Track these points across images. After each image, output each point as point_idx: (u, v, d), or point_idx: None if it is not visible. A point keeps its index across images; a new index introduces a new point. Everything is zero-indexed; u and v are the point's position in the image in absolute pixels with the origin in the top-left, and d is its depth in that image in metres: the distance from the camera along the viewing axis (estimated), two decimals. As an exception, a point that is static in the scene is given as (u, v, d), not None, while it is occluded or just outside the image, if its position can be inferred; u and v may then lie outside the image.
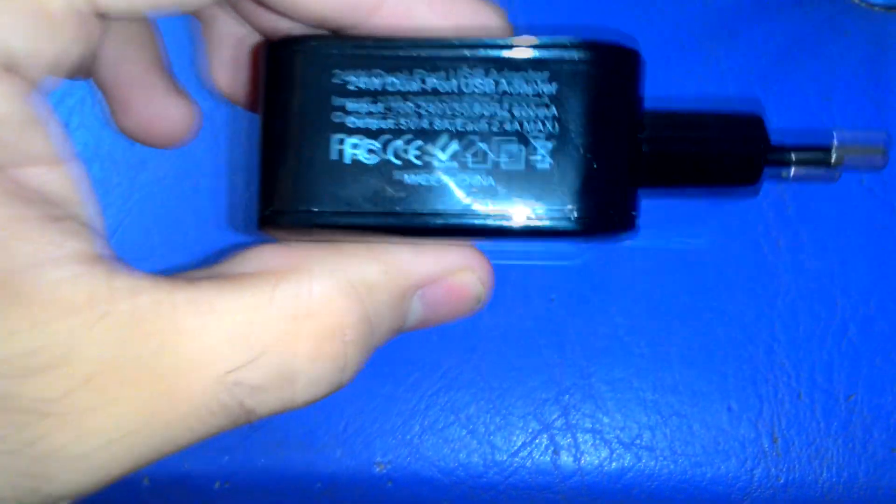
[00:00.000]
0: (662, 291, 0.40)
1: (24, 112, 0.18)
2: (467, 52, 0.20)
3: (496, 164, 0.20)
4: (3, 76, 0.17)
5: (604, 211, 0.21)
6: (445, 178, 0.20)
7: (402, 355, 0.40)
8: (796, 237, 0.41)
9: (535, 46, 0.20)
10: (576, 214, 0.20)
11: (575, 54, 0.20)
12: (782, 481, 0.38)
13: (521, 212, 0.20)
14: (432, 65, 0.20)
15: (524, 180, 0.20)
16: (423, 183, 0.20)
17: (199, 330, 0.18)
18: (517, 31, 0.22)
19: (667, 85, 0.44)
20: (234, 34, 0.25)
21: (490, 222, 0.20)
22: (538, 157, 0.20)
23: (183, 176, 0.43)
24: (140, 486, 0.39)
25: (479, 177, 0.20)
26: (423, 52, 0.20)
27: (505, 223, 0.20)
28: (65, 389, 0.17)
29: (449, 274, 0.22)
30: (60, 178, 0.19)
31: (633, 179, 0.21)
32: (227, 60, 0.25)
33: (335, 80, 0.20)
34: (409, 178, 0.20)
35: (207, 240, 0.42)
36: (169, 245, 0.42)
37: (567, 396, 0.40)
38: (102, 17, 0.19)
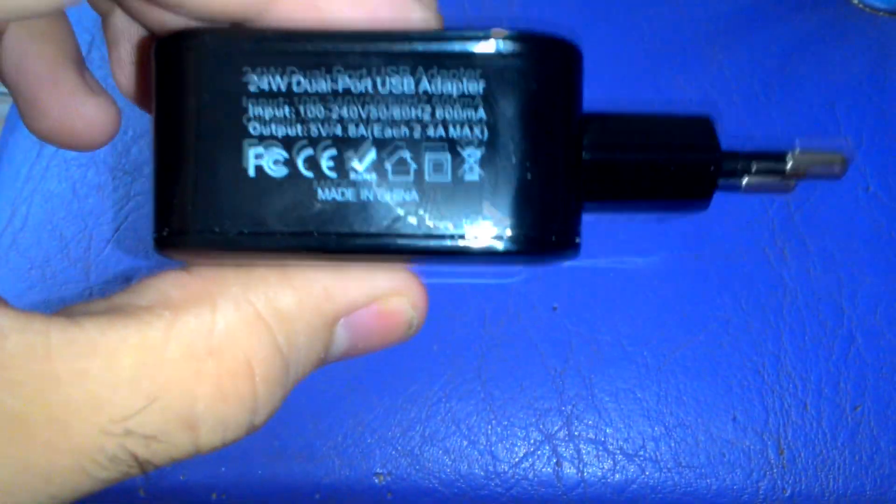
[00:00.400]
0: (667, 301, 0.40)
1: None
2: (384, 47, 0.17)
3: (419, 176, 0.18)
4: None
5: (540, 230, 0.18)
6: (363, 193, 0.18)
7: (402, 365, 0.40)
8: (802, 246, 0.40)
9: (459, 39, 0.17)
10: (508, 234, 0.18)
11: (505, 47, 0.17)
12: (788, 493, 0.38)
13: (448, 230, 0.18)
14: (344, 61, 0.17)
15: (451, 193, 0.18)
16: (339, 198, 0.17)
17: (79, 375, 0.16)
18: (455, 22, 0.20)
19: (670, 90, 0.43)
20: (129, 31, 0.22)
21: (413, 243, 0.18)
22: (466, 168, 0.18)
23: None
24: (136, 497, 0.39)
25: (400, 190, 0.18)
26: (334, 47, 0.17)
27: (430, 244, 0.18)
28: None
29: (375, 299, 0.19)
30: None
31: (573, 193, 0.19)
32: (125, 59, 0.23)
33: (233, 81, 0.17)
34: (323, 192, 0.17)
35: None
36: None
37: (570, 406, 0.39)
38: None
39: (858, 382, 0.39)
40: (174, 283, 0.18)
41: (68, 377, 0.16)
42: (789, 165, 0.21)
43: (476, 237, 0.18)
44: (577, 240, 0.19)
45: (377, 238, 0.18)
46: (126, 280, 0.42)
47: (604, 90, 0.43)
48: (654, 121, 0.21)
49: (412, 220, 0.18)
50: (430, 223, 0.18)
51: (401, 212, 0.18)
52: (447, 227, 0.18)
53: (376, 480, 0.39)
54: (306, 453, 0.39)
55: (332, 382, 0.40)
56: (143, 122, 0.43)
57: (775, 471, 0.38)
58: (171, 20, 0.20)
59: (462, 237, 0.18)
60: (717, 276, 0.40)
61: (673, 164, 0.20)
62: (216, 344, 0.17)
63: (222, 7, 0.18)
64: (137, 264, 0.43)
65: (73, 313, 0.17)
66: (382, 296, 0.19)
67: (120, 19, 0.22)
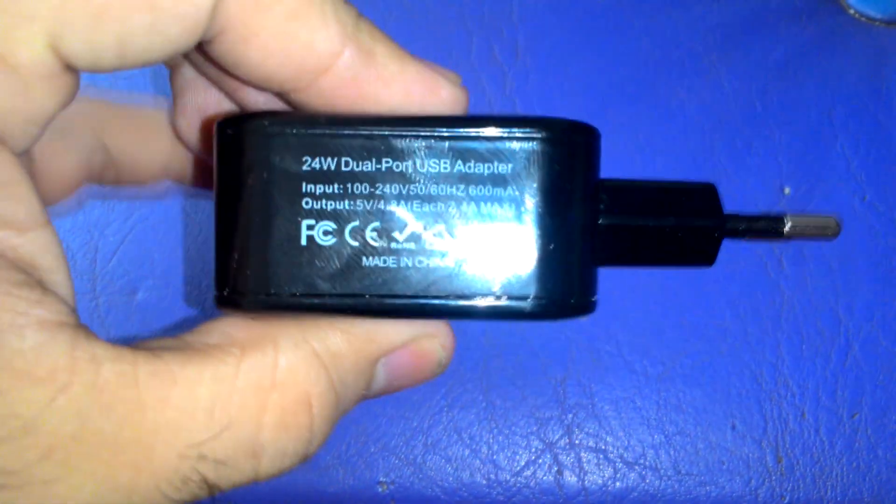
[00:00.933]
0: (665, 309, 0.40)
1: None
2: (423, 132, 0.20)
3: (453, 246, 0.20)
4: None
5: (561, 295, 0.20)
6: (403, 260, 0.20)
7: (405, 374, 0.40)
8: (799, 255, 0.41)
9: (490, 125, 0.20)
10: (535, 298, 0.20)
11: (530, 133, 0.20)
12: (787, 500, 0.38)
13: (478, 294, 0.20)
14: (388, 145, 0.20)
15: (482, 263, 0.20)
16: (381, 265, 0.20)
17: (162, 402, 0.18)
18: (471, 104, 0.22)
19: (669, 102, 0.43)
20: (194, 83, 0.24)
21: (448, 303, 0.20)
22: (495, 239, 0.20)
23: (184, 194, 0.42)
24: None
25: (436, 258, 0.20)
26: (379, 132, 0.20)
27: (462, 305, 0.20)
28: (25, 461, 0.17)
29: (411, 341, 0.22)
30: (30, 244, 0.18)
31: (590, 258, 0.21)
32: (188, 107, 0.25)
33: (289, 161, 0.20)
34: (367, 259, 0.20)
35: (210, 257, 0.42)
36: (169, 262, 0.42)
37: (570, 415, 0.40)
38: (72, 69, 0.18)
39: (856, 390, 0.39)
40: (238, 326, 0.20)
41: (153, 404, 0.18)
42: (787, 227, 0.24)
43: (504, 301, 0.20)
44: (594, 298, 0.22)
45: (415, 300, 0.20)
46: (131, 292, 0.43)
47: (603, 103, 0.44)
48: (663, 189, 0.23)
49: (446, 284, 0.20)
50: (462, 288, 0.20)
51: (436, 277, 0.20)
52: (477, 291, 0.20)
53: (380, 489, 0.39)
54: (310, 463, 0.39)
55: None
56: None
57: (774, 478, 0.39)
58: (229, 82, 0.22)
59: (491, 301, 0.20)
60: (715, 285, 0.40)
61: (681, 231, 0.23)
62: (279, 379, 0.19)
63: (270, 74, 0.20)
64: (143, 276, 0.43)
65: (150, 347, 0.19)
66: (416, 338, 0.22)
67: (187, 71, 0.24)
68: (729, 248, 0.41)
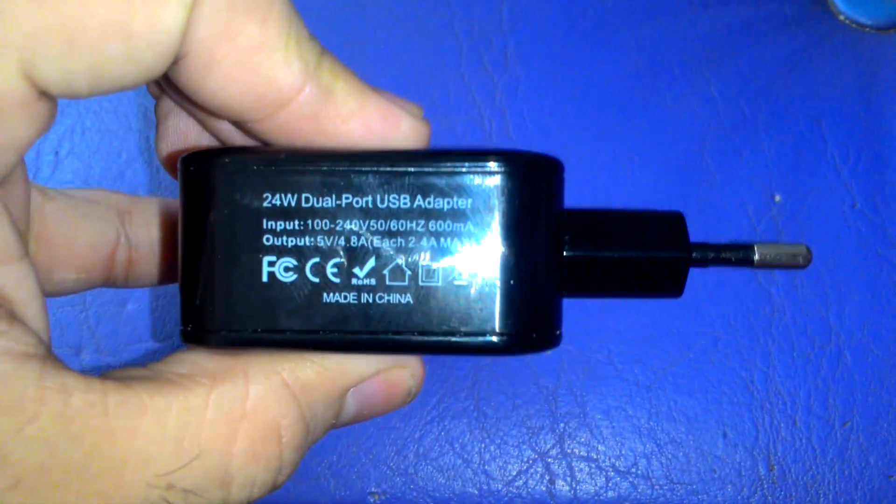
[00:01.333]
0: (656, 318, 0.40)
1: None
2: (382, 168, 0.20)
3: (414, 281, 0.20)
4: None
5: (524, 330, 0.20)
6: (364, 296, 0.20)
7: (396, 384, 0.40)
8: (790, 262, 0.41)
9: (449, 160, 0.20)
10: (496, 334, 0.20)
11: (490, 168, 0.20)
12: (779, 509, 0.38)
13: (439, 330, 0.20)
14: (347, 181, 0.20)
15: (443, 297, 0.20)
16: (342, 300, 0.20)
17: (131, 432, 0.18)
18: (435, 132, 0.22)
19: (659, 110, 0.44)
20: (172, 112, 0.25)
21: (409, 339, 0.20)
22: (456, 274, 0.20)
23: (175, 209, 0.42)
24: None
25: (396, 294, 0.20)
26: (339, 167, 0.20)
27: (423, 340, 0.20)
28: None
29: (381, 371, 0.22)
30: (4, 276, 0.18)
31: (553, 290, 0.21)
32: (167, 133, 0.25)
33: (250, 197, 0.20)
34: (328, 296, 0.20)
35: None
36: (160, 274, 0.42)
37: (562, 424, 0.40)
38: (47, 96, 0.18)
39: (847, 398, 0.39)
40: (208, 356, 0.20)
41: (122, 433, 0.18)
42: (756, 256, 0.23)
43: (465, 337, 0.20)
44: (558, 332, 0.21)
45: (375, 336, 0.20)
46: (121, 303, 0.42)
47: (593, 111, 0.44)
48: (629, 219, 0.23)
49: (407, 320, 0.20)
50: (422, 324, 0.20)
51: (396, 313, 0.20)
52: (438, 326, 0.20)
53: (371, 500, 0.39)
54: (301, 474, 0.39)
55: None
56: (137, 146, 0.43)
57: (766, 487, 0.38)
58: (200, 111, 0.22)
59: (451, 336, 0.20)
60: (706, 294, 0.40)
61: (647, 262, 0.22)
62: (249, 408, 0.19)
63: (228, 103, 0.20)
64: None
65: (117, 377, 0.19)
66: (386, 368, 0.22)
67: (166, 102, 0.24)
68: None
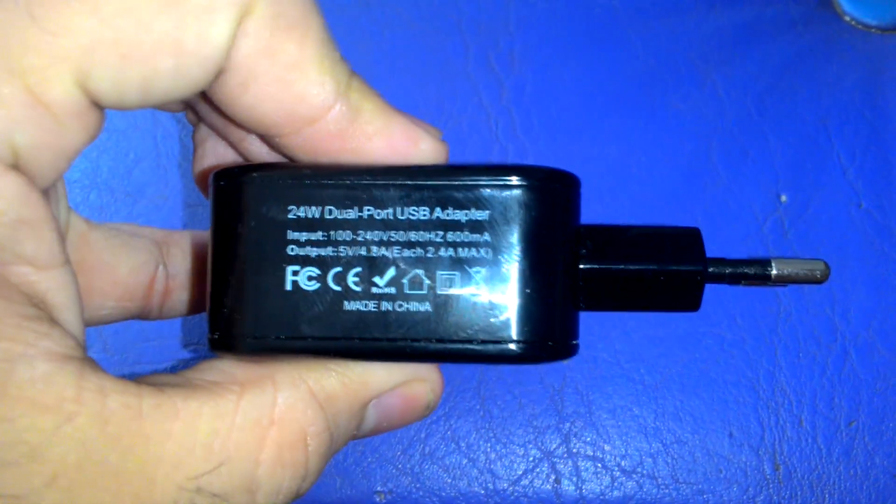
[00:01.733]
0: (662, 318, 0.40)
1: (20, 211, 0.18)
2: (402, 181, 0.21)
3: (432, 290, 0.20)
4: (4, 172, 0.18)
5: (540, 339, 0.21)
6: (384, 304, 0.20)
7: (402, 383, 0.40)
8: (796, 262, 0.41)
9: (468, 174, 0.21)
10: (513, 342, 0.20)
11: (508, 181, 0.20)
12: (785, 508, 0.38)
13: (456, 338, 0.20)
14: (369, 194, 0.20)
15: (461, 306, 0.20)
16: (363, 309, 0.20)
17: (165, 435, 0.18)
18: (452, 153, 0.23)
19: (665, 110, 0.44)
20: (208, 139, 0.25)
21: (427, 346, 0.20)
22: (473, 285, 0.20)
23: (181, 205, 0.42)
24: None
25: (416, 302, 0.20)
26: (360, 181, 0.20)
27: (441, 348, 0.20)
28: (30, 486, 0.17)
29: (402, 384, 0.22)
30: (46, 281, 0.19)
31: (570, 301, 0.22)
32: (203, 158, 0.26)
33: (276, 210, 0.21)
34: (349, 304, 0.20)
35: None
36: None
37: (568, 424, 0.40)
38: (98, 106, 0.19)
39: (853, 398, 0.39)
40: (237, 364, 0.21)
41: (156, 436, 0.18)
42: (773, 272, 0.24)
43: (482, 345, 0.20)
44: (575, 342, 0.22)
45: (394, 343, 0.20)
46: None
47: (599, 112, 0.44)
48: (646, 234, 0.23)
49: (425, 328, 0.20)
50: (440, 332, 0.20)
51: (415, 321, 0.20)
52: (455, 335, 0.20)
53: (377, 499, 0.39)
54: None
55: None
56: (144, 146, 0.43)
57: (771, 486, 0.38)
58: (234, 132, 0.23)
59: (468, 344, 0.20)
60: (712, 293, 0.40)
61: (663, 276, 0.23)
62: (278, 416, 0.20)
63: (260, 118, 0.20)
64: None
65: (150, 382, 0.19)
66: (407, 382, 0.22)
67: (202, 129, 0.25)
68: (724, 255, 0.41)
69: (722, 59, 0.45)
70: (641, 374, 0.40)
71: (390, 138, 0.21)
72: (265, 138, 0.22)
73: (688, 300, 0.23)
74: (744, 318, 0.40)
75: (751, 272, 0.24)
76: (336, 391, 0.21)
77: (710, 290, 0.40)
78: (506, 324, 0.20)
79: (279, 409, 0.20)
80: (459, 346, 0.20)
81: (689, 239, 0.23)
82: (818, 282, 0.24)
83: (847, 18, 0.46)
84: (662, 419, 0.39)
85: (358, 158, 0.21)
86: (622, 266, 0.22)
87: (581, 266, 0.22)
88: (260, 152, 0.23)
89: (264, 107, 0.20)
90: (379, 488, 0.39)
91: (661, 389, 0.40)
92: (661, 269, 0.23)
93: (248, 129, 0.22)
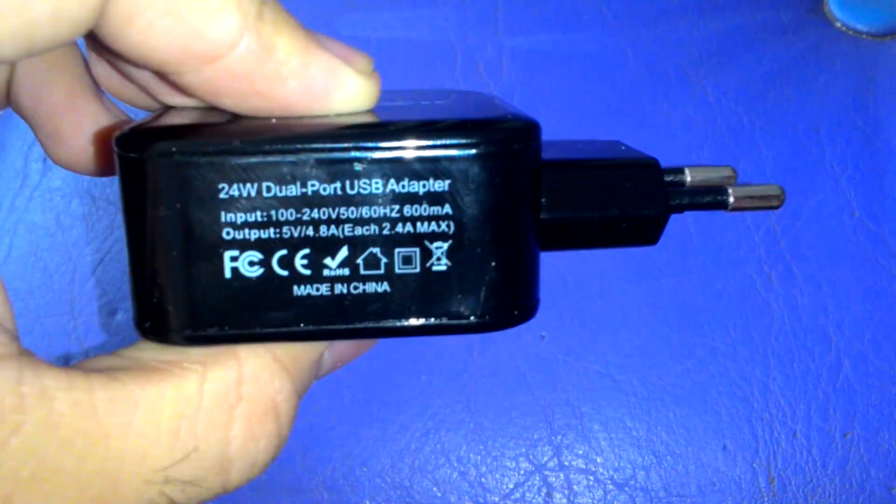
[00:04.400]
0: (654, 329, 0.40)
1: None
2: (350, 151, 0.18)
3: (390, 269, 0.19)
4: None
5: (504, 308, 0.19)
6: (337, 287, 0.19)
7: (390, 396, 0.40)
8: (789, 272, 0.40)
9: (423, 137, 0.18)
10: (475, 315, 0.19)
11: (466, 142, 0.18)
12: (779, 522, 0.38)
13: (418, 315, 0.19)
14: (312, 167, 0.18)
15: (420, 283, 0.19)
16: (314, 293, 0.18)
17: (124, 429, 0.17)
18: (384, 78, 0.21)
19: (656, 117, 0.43)
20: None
21: (388, 326, 0.19)
22: (434, 260, 0.19)
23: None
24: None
25: (372, 283, 0.19)
26: (300, 156, 0.18)
27: (403, 326, 0.19)
28: None
29: None
30: None
31: (533, 262, 0.20)
32: (84, 121, 0.23)
33: (204, 190, 0.18)
34: (298, 289, 0.18)
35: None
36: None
37: (559, 436, 0.39)
38: None
39: (847, 409, 0.39)
40: None
41: (115, 432, 0.17)
42: (731, 200, 0.23)
43: (444, 319, 0.19)
44: (536, 300, 0.20)
45: (352, 325, 0.19)
46: (111, 313, 0.42)
47: (588, 118, 0.43)
48: (605, 176, 0.22)
49: (383, 309, 0.19)
50: (400, 311, 0.19)
51: (373, 302, 0.19)
52: (417, 314, 0.19)
53: (366, 514, 0.39)
54: (295, 487, 0.39)
55: (319, 414, 0.40)
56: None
57: (766, 499, 0.38)
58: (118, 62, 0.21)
59: (430, 319, 0.19)
60: (704, 304, 0.40)
61: (625, 222, 0.22)
62: (245, 390, 0.18)
63: (148, 55, 0.17)
64: (122, 296, 0.42)
65: (102, 367, 0.18)
66: None
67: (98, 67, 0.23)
68: (717, 265, 0.40)
69: (713, 65, 0.45)
70: (634, 386, 0.39)
71: (309, 80, 0.18)
72: (157, 74, 0.20)
73: (648, 237, 0.22)
74: (736, 329, 0.40)
75: (708, 201, 0.23)
76: (298, 351, 0.19)
77: (702, 301, 0.40)
78: (472, 300, 0.19)
79: (246, 384, 0.18)
80: (422, 322, 0.19)
81: (649, 177, 0.22)
82: (775, 207, 0.24)
83: (838, 24, 0.46)
84: (655, 431, 0.39)
85: (266, 104, 0.18)
86: (584, 214, 0.21)
87: (542, 216, 0.21)
88: (153, 81, 0.21)
89: (153, 42, 0.17)
90: (368, 502, 0.39)
91: (654, 401, 0.39)
92: (622, 215, 0.22)
93: (136, 66, 0.19)
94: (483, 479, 0.39)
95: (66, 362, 0.41)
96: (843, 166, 0.42)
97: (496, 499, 0.39)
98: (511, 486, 0.39)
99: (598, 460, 0.39)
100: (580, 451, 0.39)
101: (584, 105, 0.43)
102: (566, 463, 0.39)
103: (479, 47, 0.45)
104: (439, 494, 0.39)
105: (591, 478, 0.39)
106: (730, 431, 0.39)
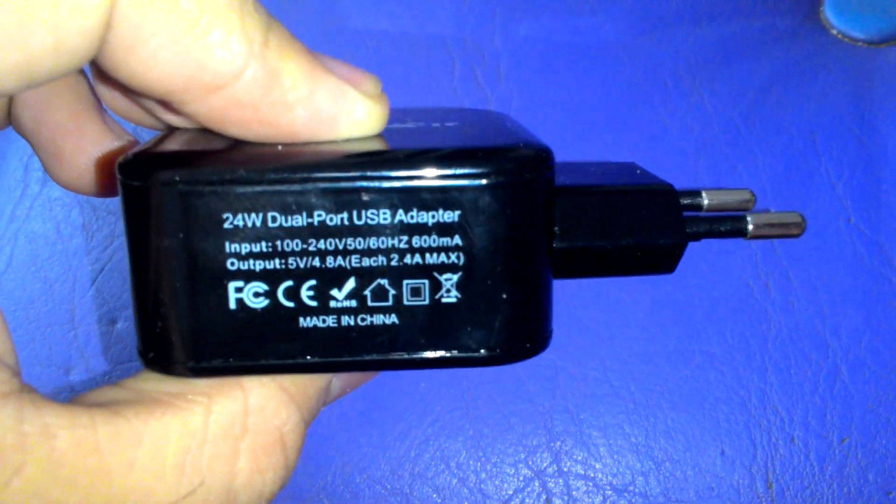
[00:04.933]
0: (653, 335, 0.40)
1: None
2: (359, 182, 0.17)
3: (398, 301, 0.18)
4: None
5: (516, 341, 0.19)
6: (344, 319, 0.18)
7: (390, 403, 0.40)
8: (785, 278, 0.41)
9: (432, 166, 0.18)
10: (486, 348, 0.18)
11: (476, 171, 0.18)
12: (778, 527, 0.38)
13: (427, 348, 0.18)
14: (319, 197, 0.17)
15: (430, 317, 0.18)
16: (320, 325, 0.18)
17: (128, 466, 0.16)
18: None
19: (651, 124, 0.43)
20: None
21: (393, 358, 0.18)
22: (444, 291, 0.18)
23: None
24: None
25: (380, 315, 0.18)
26: (306, 185, 0.17)
27: (412, 359, 0.18)
28: None
29: None
30: None
31: (546, 295, 0.20)
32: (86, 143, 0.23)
33: (208, 220, 0.17)
34: (304, 320, 0.18)
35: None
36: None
37: (559, 443, 0.39)
38: None
39: (845, 415, 0.39)
40: None
41: (118, 469, 0.16)
42: (750, 228, 0.22)
43: (454, 352, 0.18)
44: (549, 333, 0.20)
45: (359, 358, 0.18)
46: (111, 322, 0.42)
47: (586, 127, 0.44)
48: (621, 199, 0.21)
49: (392, 341, 0.18)
50: (408, 344, 0.18)
51: (380, 334, 0.18)
52: (426, 347, 0.18)
53: (366, 521, 0.39)
54: (294, 494, 0.39)
55: (319, 422, 0.40)
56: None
57: (764, 505, 0.38)
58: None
59: (439, 353, 0.18)
60: (702, 311, 0.40)
61: (640, 252, 0.21)
62: (251, 423, 0.18)
63: (151, 85, 0.17)
64: (122, 305, 0.42)
65: (101, 401, 0.17)
66: None
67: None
68: (714, 272, 0.40)
69: (709, 73, 0.45)
70: (632, 392, 0.39)
71: (315, 108, 0.18)
72: (161, 103, 0.19)
73: (664, 266, 0.22)
74: (734, 335, 0.40)
75: (726, 229, 0.23)
76: (305, 380, 0.19)
77: (700, 307, 0.40)
78: (483, 332, 0.18)
79: (252, 415, 0.18)
80: (431, 355, 0.18)
81: (666, 205, 0.21)
82: (795, 235, 0.23)
83: (834, 32, 0.46)
84: (654, 437, 0.39)
85: (272, 131, 0.18)
86: (598, 244, 0.21)
87: (555, 245, 0.20)
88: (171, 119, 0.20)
89: (155, 72, 0.17)
90: (367, 510, 0.39)
91: (652, 407, 0.39)
92: (638, 244, 0.21)
93: (138, 94, 0.19)
94: (483, 486, 0.39)
95: (66, 372, 0.41)
96: (839, 173, 0.42)
97: (496, 505, 0.39)
98: (510, 492, 0.39)
99: (597, 466, 0.39)
100: (579, 458, 0.39)
101: (580, 113, 0.44)
102: (565, 469, 0.39)
103: (477, 56, 0.45)
104: (439, 501, 0.39)
105: (590, 484, 0.39)
106: (728, 437, 0.39)
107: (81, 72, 0.23)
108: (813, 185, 0.42)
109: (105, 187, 0.23)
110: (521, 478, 0.39)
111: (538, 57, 0.44)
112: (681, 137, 0.43)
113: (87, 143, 0.23)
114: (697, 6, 0.46)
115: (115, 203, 0.44)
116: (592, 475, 0.39)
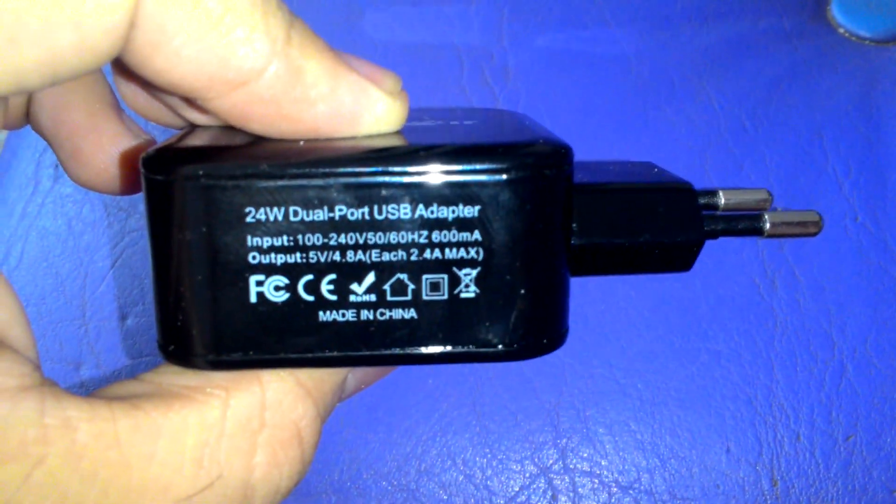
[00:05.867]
0: (659, 333, 0.40)
1: None
2: (378, 176, 0.18)
3: (417, 295, 0.18)
4: None
5: (533, 336, 0.19)
6: (363, 313, 0.18)
7: (397, 400, 0.40)
8: (792, 276, 0.41)
9: (453, 162, 0.18)
10: (503, 343, 0.19)
11: (496, 167, 0.18)
12: (783, 524, 0.38)
13: (445, 342, 0.19)
14: (340, 192, 0.18)
15: (448, 310, 0.18)
16: (339, 319, 0.18)
17: (147, 459, 0.17)
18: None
19: (660, 123, 0.44)
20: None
21: (414, 353, 0.19)
22: (462, 286, 0.18)
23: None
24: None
25: (399, 309, 0.18)
26: (327, 180, 0.18)
27: (430, 354, 0.19)
28: None
29: None
30: None
31: (563, 290, 0.20)
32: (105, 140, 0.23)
33: (230, 214, 0.18)
34: (324, 314, 0.18)
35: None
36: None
37: (564, 440, 0.39)
38: None
39: (850, 413, 0.39)
40: None
41: (137, 462, 0.16)
42: (767, 227, 0.22)
43: (472, 347, 0.19)
44: (565, 329, 0.20)
45: (378, 352, 0.18)
46: (121, 317, 0.42)
47: (593, 125, 0.44)
48: (639, 196, 0.21)
49: (410, 335, 0.18)
50: (427, 338, 0.19)
51: (399, 328, 0.18)
52: (444, 341, 0.19)
53: (372, 516, 0.39)
54: (302, 490, 0.39)
55: (327, 418, 0.40)
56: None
57: (769, 502, 0.38)
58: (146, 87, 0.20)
59: (458, 348, 0.19)
60: (708, 308, 0.40)
61: (658, 249, 0.21)
62: (269, 417, 0.18)
63: (176, 82, 0.17)
64: (133, 301, 0.43)
65: (120, 394, 0.18)
66: None
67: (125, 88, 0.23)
68: (721, 270, 0.41)
69: (716, 72, 0.45)
70: (638, 390, 0.40)
71: (337, 104, 0.18)
72: (185, 100, 0.20)
73: (681, 264, 0.22)
74: (740, 333, 0.40)
75: (744, 227, 0.22)
76: (322, 375, 0.19)
77: (706, 305, 0.40)
78: (500, 328, 0.18)
79: (269, 409, 0.18)
80: (449, 350, 0.19)
81: (684, 202, 0.21)
82: (812, 234, 0.23)
83: (841, 31, 0.46)
84: (659, 434, 0.39)
85: (295, 126, 0.18)
86: (615, 241, 0.21)
87: (573, 242, 0.20)
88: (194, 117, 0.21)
89: (180, 70, 0.17)
90: (374, 505, 0.39)
91: (658, 405, 0.39)
92: (655, 242, 0.21)
93: (162, 91, 0.19)
94: (489, 482, 0.39)
95: (77, 367, 0.41)
96: (845, 171, 0.42)
97: (502, 501, 0.39)
98: (516, 488, 0.39)
99: (603, 463, 0.39)
100: (585, 454, 0.39)
101: (588, 111, 0.44)
102: (571, 466, 0.39)
103: (486, 56, 0.45)
104: (445, 497, 0.39)
105: (596, 480, 0.39)
106: (733, 434, 0.39)
107: (100, 70, 0.23)
108: (820, 184, 0.42)
109: (122, 185, 0.24)
110: (527, 474, 0.39)
111: (545, 57, 0.44)
112: (688, 137, 0.43)
113: (105, 142, 0.23)
114: (704, 6, 0.46)
115: (126, 200, 0.45)
116: (598, 472, 0.39)
